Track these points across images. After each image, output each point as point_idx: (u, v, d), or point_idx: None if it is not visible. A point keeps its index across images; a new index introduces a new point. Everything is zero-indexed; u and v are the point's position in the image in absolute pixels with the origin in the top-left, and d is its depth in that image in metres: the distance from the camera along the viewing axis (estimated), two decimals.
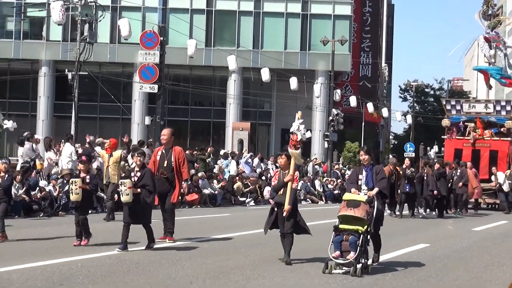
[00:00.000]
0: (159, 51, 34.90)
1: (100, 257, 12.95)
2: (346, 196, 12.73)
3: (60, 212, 22.49)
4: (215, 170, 35.13)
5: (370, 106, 61.87)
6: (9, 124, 27.41)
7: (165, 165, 15.56)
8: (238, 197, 32.90)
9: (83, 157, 15.76)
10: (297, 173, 13.20)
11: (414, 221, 25.76)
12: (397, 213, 26.59)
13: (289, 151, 13.12)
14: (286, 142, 53.15)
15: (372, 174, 12.98)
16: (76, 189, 14.30)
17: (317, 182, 39.27)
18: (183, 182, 16.10)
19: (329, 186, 40.14)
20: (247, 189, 33.73)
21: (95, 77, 47.54)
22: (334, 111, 50.55)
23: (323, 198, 38.33)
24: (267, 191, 34.56)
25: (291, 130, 13.28)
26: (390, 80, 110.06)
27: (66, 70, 39.78)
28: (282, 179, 13.05)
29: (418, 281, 11.99)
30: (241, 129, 50.68)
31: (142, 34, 36.18)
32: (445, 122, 36.19)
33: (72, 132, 35.50)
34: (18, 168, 23.78)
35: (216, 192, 31.43)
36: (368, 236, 12.33)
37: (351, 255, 11.89)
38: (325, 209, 30.73)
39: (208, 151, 35.84)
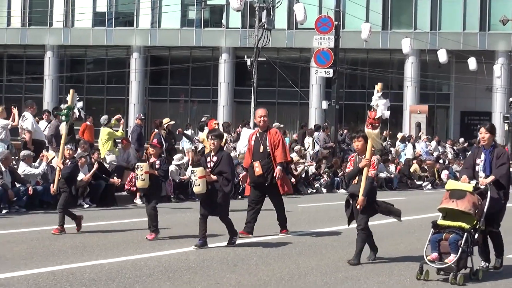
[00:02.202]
0: (334, 36, 35.07)
1: (176, 253, 11.80)
2: (450, 184, 10.63)
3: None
4: (392, 154, 35.08)
5: None
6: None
7: (261, 150, 13.93)
8: (415, 180, 32.72)
9: (155, 141, 14.29)
10: (376, 157, 11.48)
11: None
12: None
13: (366, 131, 11.27)
14: (466, 125, 52.22)
15: (492, 158, 10.69)
16: (142, 174, 12.84)
17: None
18: (277, 167, 13.81)
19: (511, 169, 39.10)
20: (424, 173, 33.49)
21: (273, 63, 48.28)
22: None
23: None
24: (444, 174, 34.26)
25: (371, 105, 11.48)
26: None
27: (245, 56, 40.65)
28: (358, 164, 11.22)
29: None
30: (418, 112, 50.10)
31: (317, 19, 36.39)
32: None
33: (252, 117, 36.42)
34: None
35: (392, 175, 31.42)
36: (476, 235, 10.14)
37: (451, 258, 9.86)
38: None
39: (384, 134, 35.79)
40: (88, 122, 24.84)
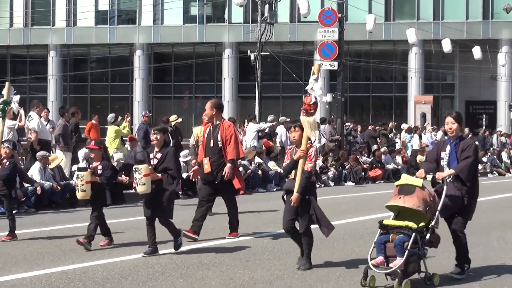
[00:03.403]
0: (338, 28, 35.00)
1: (187, 250, 11.45)
2: (401, 179, 9.49)
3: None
4: (398, 145, 35.06)
5: None
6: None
7: (211, 145, 12.78)
8: None
9: (92, 143, 13.00)
10: (313, 149, 10.06)
11: None
12: None
13: (301, 118, 10.07)
14: (471, 115, 52.23)
15: (457, 151, 9.52)
16: (83, 185, 11.44)
17: (503, 154, 38.43)
18: (228, 164, 12.63)
19: None
20: None
21: (277, 57, 48.26)
22: None
23: (511, 171, 37.44)
24: None
25: (306, 89, 10.20)
26: None
27: (249, 51, 40.62)
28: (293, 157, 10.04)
29: None
30: (423, 102, 50.04)
31: (320, 12, 36.32)
32: None
33: (256, 112, 36.41)
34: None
35: (399, 167, 31.38)
36: (428, 235, 9.08)
37: (396, 262, 8.82)
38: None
39: (389, 126, 35.76)
40: (93, 121, 24.87)
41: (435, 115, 52.48)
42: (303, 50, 56.04)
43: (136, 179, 10.92)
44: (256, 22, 38.85)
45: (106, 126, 24.80)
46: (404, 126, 39.19)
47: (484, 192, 23.20)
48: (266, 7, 37.02)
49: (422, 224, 9.03)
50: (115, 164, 21.78)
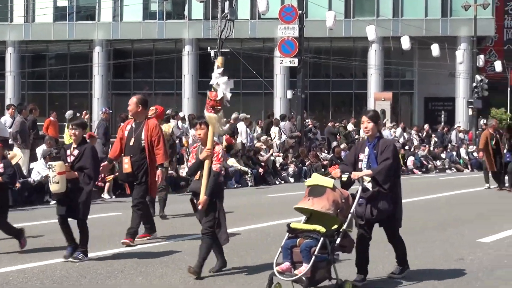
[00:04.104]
0: (298, 25, 35.05)
1: (148, 247, 11.50)
2: (312, 179, 8.84)
3: None
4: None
5: None
6: None
7: (131, 143, 11.82)
8: None
9: None
10: (220, 147, 9.55)
11: None
12: (507, 184, 22.41)
13: (206, 115, 9.45)
14: (430, 111, 52.64)
15: (377, 152, 8.91)
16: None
17: (462, 151, 38.76)
18: (159, 169, 11.84)
19: (475, 154, 39.44)
20: None
21: (237, 54, 48.17)
22: (478, 77, 49.42)
23: (469, 167, 37.78)
24: (410, 161, 34.46)
25: (211, 83, 9.61)
26: None
27: (209, 47, 40.50)
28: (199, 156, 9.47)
29: None
30: (383, 99, 50.25)
31: (280, 9, 36.38)
32: None
33: None
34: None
35: None
36: (339, 240, 8.35)
37: (301, 269, 8.13)
38: (469, 177, 30.27)
39: (343, 123, 35.88)
40: (52, 118, 24.64)
41: (394, 112, 52.76)
42: (263, 47, 56.08)
43: (49, 177, 10.24)
44: (216, 19, 38.66)
45: (64, 123, 24.57)
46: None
47: (442, 188, 23.52)
48: (226, 3, 36.87)
49: (336, 227, 8.39)
50: None
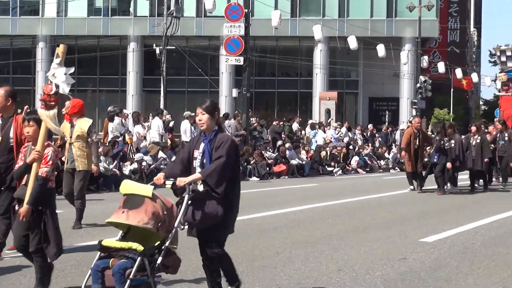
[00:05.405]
0: (244, 23, 35.00)
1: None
2: (125, 186, 7.19)
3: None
4: (303, 141, 35.32)
5: (459, 72, 60.87)
6: None
7: None
8: (326, 167, 32.98)
9: None
10: (50, 149, 7.92)
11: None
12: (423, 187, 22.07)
13: (38, 111, 7.92)
14: (375, 111, 53.03)
15: (212, 149, 7.44)
16: None
17: None
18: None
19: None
20: (334, 159, 33.80)
21: (183, 51, 47.98)
22: (422, 78, 49.91)
23: None
24: (354, 160, 34.66)
25: (47, 75, 8.25)
26: (480, 45, 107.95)
27: (154, 45, 40.28)
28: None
29: None
30: (328, 98, 50.53)
31: (226, 7, 36.29)
32: (501, 77, 30.67)
33: (162, 106, 36.13)
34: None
35: (303, 162, 31.58)
36: (160, 259, 6.91)
37: None
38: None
39: (280, 123, 35.92)
40: None
41: (339, 111, 53.11)
42: (209, 45, 55.97)
43: None
44: (162, 16, 38.53)
45: None
46: (310, 121, 39.46)
47: (386, 188, 23.63)
48: (172, 1, 36.78)
49: (157, 244, 6.94)
50: None
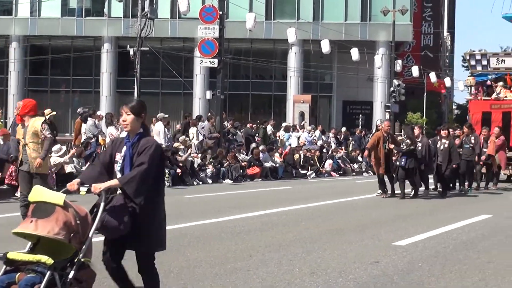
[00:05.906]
0: (219, 25, 34.97)
1: None
2: (34, 193, 6.56)
3: None
4: (277, 143, 35.34)
5: (432, 76, 61.16)
6: None
7: None
8: (299, 170, 33.00)
9: None
10: None
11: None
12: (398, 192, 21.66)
13: None
14: (348, 115, 53.30)
15: (134, 153, 6.72)
16: None
17: None
18: None
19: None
20: (308, 162, 33.85)
21: (157, 53, 47.82)
22: (396, 82, 50.11)
23: None
24: (328, 163, 34.73)
25: None
26: (453, 49, 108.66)
27: (128, 46, 40.02)
28: None
29: None
30: (302, 101, 50.60)
31: (201, 9, 36.25)
32: (469, 81, 31.01)
33: None
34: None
35: (277, 165, 31.58)
36: (72, 273, 6.24)
37: None
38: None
39: (254, 126, 35.88)
40: None
41: (313, 114, 53.18)
42: (183, 47, 55.87)
43: None
44: (136, 17, 38.33)
45: None
46: (284, 124, 39.48)
47: (358, 191, 23.67)
48: (147, 2, 36.52)
49: (69, 256, 6.33)
50: None
